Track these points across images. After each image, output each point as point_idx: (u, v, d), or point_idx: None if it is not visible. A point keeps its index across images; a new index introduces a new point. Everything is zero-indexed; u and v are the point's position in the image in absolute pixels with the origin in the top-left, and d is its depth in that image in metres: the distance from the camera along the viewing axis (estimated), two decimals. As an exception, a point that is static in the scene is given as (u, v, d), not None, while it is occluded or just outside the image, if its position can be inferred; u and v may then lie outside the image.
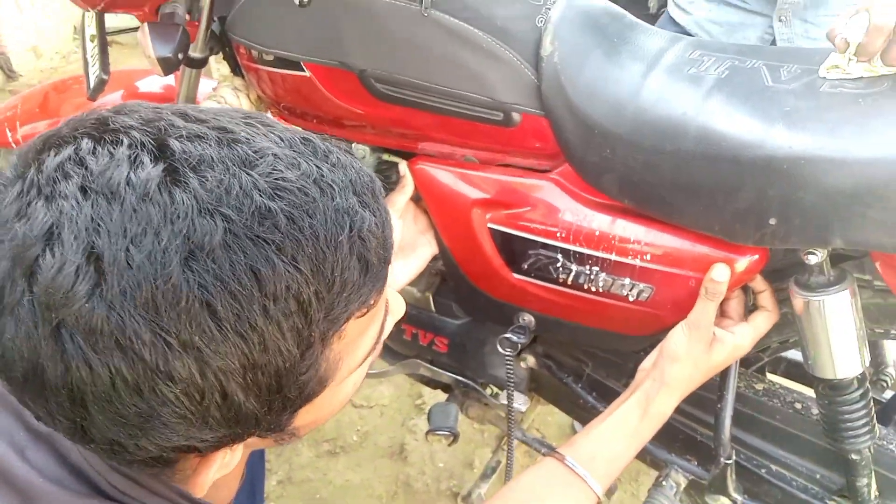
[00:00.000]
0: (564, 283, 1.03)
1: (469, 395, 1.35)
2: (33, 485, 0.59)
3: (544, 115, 0.97)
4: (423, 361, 1.35)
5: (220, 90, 1.28)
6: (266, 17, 1.08)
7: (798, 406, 1.08)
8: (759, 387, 1.11)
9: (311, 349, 0.50)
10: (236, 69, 1.30)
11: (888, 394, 1.19)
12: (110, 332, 0.44)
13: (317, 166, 0.49)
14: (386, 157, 1.19)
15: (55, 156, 0.47)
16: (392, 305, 0.66)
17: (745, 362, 1.11)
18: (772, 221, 0.83)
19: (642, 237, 0.94)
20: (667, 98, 0.89)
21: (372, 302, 0.53)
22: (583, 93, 0.93)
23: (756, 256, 0.90)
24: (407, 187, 1.09)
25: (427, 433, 1.25)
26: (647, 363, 0.97)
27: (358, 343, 0.57)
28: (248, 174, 0.46)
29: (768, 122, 0.82)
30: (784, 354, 1.22)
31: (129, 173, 0.45)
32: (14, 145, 1.52)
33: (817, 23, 1.47)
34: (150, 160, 0.46)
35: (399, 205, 1.08)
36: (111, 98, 1.44)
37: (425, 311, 1.28)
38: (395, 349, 1.37)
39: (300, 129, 0.55)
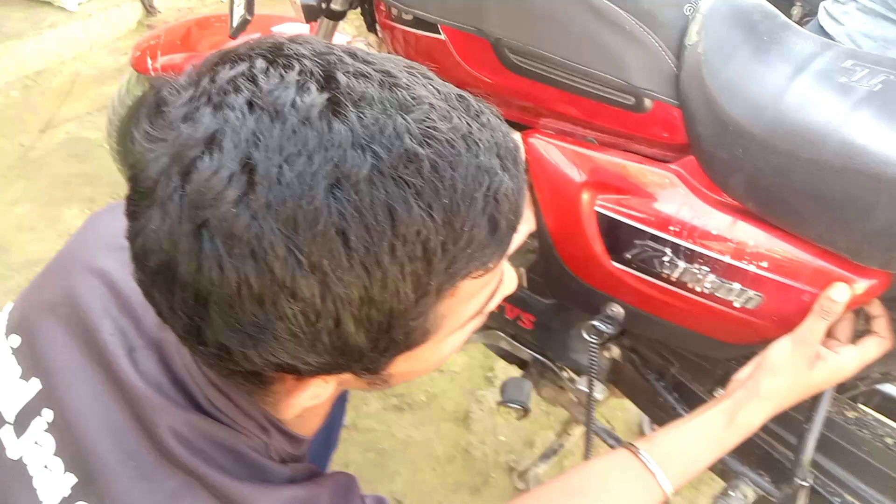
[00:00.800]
0: (667, 280, 0.99)
1: (545, 375, 1.32)
2: (135, 387, 0.61)
3: (678, 105, 0.92)
4: (505, 335, 1.33)
5: (353, 44, 1.27)
6: (410, -25, 1.06)
7: (889, 441, 1.01)
8: (851, 415, 1.05)
9: (426, 298, 0.50)
10: (372, 25, 1.29)
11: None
12: (248, 239, 0.44)
13: (467, 122, 0.49)
14: (504, 128, 1.16)
15: (230, 69, 0.48)
16: (505, 278, 0.65)
17: (840, 388, 1.05)
18: (905, 246, 0.77)
19: (762, 243, 0.89)
20: (811, 104, 0.84)
21: (491, 265, 0.53)
22: (723, 87, 0.88)
23: (877, 280, 0.84)
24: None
25: (499, 404, 1.23)
26: (743, 373, 0.92)
27: (467, 305, 0.56)
28: (402, 118, 0.47)
29: (919, 142, 0.76)
30: (880, 387, 1.14)
31: (295, 97, 0.46)
32: (152, 72, 1.56)
33: None
34: (317, 88, 0.46)
35: None
36: (252, 38, 1.46)
37: (518, 285, 1.25)
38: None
39: (456, 87, 0.53)
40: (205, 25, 1.59)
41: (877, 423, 1.03)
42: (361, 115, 0.46)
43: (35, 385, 0.64)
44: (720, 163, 0.90)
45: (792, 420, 1.04)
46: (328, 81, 0.47)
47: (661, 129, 0.95)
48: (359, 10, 1.31)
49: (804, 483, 0.99)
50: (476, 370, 1.90)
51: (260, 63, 0.48)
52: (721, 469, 1.14)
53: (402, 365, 0.57)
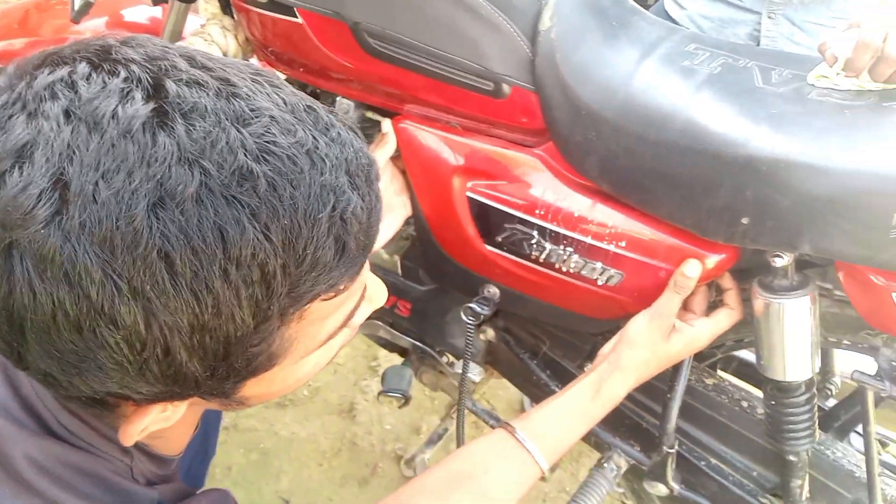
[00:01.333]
0: (536, 261, 1.02)
1: (425, 361, 1.34)
2: None
3: (534, 90, 0.95)
4: (383, 323, 1.34)
5: (208, 27, 1.23)
6: (264, -43, 1.04)
7: (744, 404, 1.09)
8: (710, 381, 1.12)
9: (268, 323, 0.48)
10: (227, 8, 1.25)
11: (831, 402, 1.21)
12: (61, 262, 0.42)
13: (314, 136, 0.47)
14: (369, 114, 1.16)
15: (49, 74, 0.45)
16: (371, 292, 0.63)
17: (699, 357, 1.12)
18: (744, 220, 0.83)
19: (619, 223, 0.94)
20: (657, 87, 0.88)
21: (342, 287, 0.51)
22: (575, 72, 0.91)
23: (726, 255, 0.90)
24: (388, 145, 1.06)
25: (379, 393, 1.24)
26: (606, 348, 0.97)
27: (320, 326, 0.54)
28: (238, 131, 0.44)
29: (754, 122, 0.82)
30: (737, 353, 1.23)
31: (116, 106, 0.43)
32: (-11, 59, 1.46)
33: (805, 28, 1.47)
34: (142, 97, 0.44)
35: (378, 162, 1.06)
36: (94, 23, 1.38)
37: (391, 273, 1.26)
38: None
39: (308, 97, 0.51)
40: (44, 8, 1.49)
41: (733, 388, 1.11)
42: (191, 128, 0.43)
43: None
44: (575, 146, 0.94)
45: (655, 390, 1.10)
46: (157, 90, 0.44)
47: (520, 114, 0.98)
48: (213, -7, 1.27)
49: (671, 450, 1.05)
50: (359, 360, 1.90)
51: (83, 67, 0.45)
52: (595, 441, 1.19)
53: (254, 388, 0.55)
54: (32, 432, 0.57)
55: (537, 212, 0.99)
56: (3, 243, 0.42)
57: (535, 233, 1.00)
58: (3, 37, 1.44)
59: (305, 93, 1.31)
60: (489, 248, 1.06)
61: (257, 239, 0.44)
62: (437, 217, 1.09)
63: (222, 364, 0.48)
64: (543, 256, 1.01)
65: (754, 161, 0.79)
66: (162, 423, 0.56)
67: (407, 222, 1.29)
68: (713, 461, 1.12)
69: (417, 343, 1.31)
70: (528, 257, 1.03)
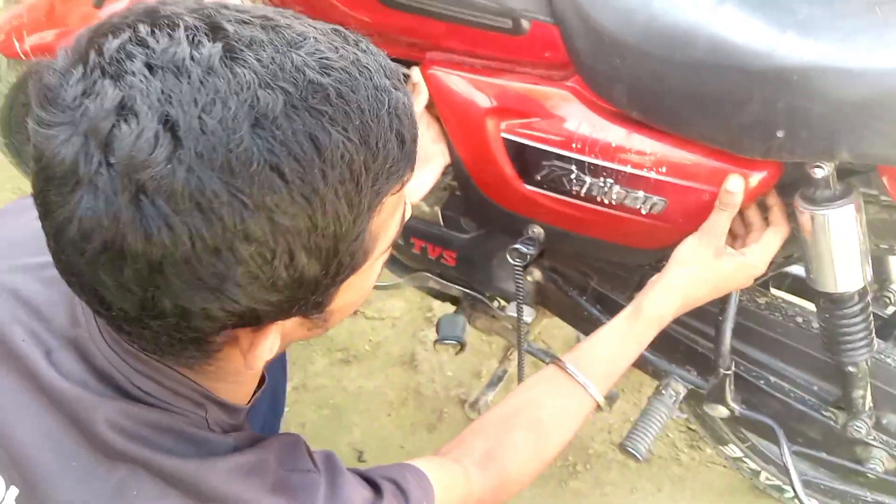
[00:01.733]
0: (577, 196, 1.03)
1: (476, 308, 1.37)
2: (61, 388, 0.62)
3: (554, 23, 0.94)
4: (431, 275, 1.36)
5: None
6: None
7: (799, 320, 1.09)
8: (762, 300, 1.12)
9: (361, 217, 0.54)
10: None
11: (890, 309, 1.19)
12: (189, 193, 0.46)
13: (352, 51, 0.53)
14: (394, 67, 1.17)
15: (114, 40, 0.49)
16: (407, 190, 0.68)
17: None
18: (779, 134, 0.82)
19: (657, 150, 0.93)
20: (677, 5, 0.87)
21: (406, 178, 0.57)
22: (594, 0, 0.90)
23: (768, 171, 0.89)
24: (421, 95, 1.07)
25: (435, 342, 1.28)
26: (656, 277, 0.98)
27: (391, 222, 0.60)
28: (296, 53, 0.50)
29: (780, 30, 0.80)
30: (788, 270, 1.21)
31: (191, 51, 0.48)
32: (23, 56, 1.51)
33: None
34: (208, 40, 0.48)
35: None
36: (117, 6, 1.41)
37: (434, 224, 1.28)
38: (405, 262, 1.39)
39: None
40: (66, -1, 1.53)
41: (786, 305, 1.10)
42: (259, 58, 0.48)
43: None
44: (601, 75, 0.93)
45: (708, 313, 1.10)
46: (216, 32, 0.49)
47: (542, 49, 0.97)
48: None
49: (727, 372, 1.06)
50: (415, 313, 1.94)
51: (143, 28, 0.49)
52: (652, 370, 1.21)
53: (342, 297, 0.60)
54: (111, 398, 0.62)
55: (574, 146, 0.99)
56: (131, 191, 0.46)
57: (573, 167, 1.00)
58: (33, 30, 1.49)
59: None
60: (529, 187, 1.06)
61: (341, 141, 0.49)
62: (475, 161, 1.10)
63: (334, 261, 0.54)
64: (584, 190, 1.02)
65: (783, 71, 0.78)
66: (269, 354, 0.60)
67: (445, 172, 1.31)
68: (773, 379, 1.12)
69: (467, 290, 1.34)
70: (569, 193, 1.04)
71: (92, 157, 0.46)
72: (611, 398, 1.35)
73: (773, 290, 1.21)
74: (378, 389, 1.78)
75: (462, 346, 1.28)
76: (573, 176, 1.02)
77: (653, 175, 0.96)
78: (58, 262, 0.53)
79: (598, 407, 0.95)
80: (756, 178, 0.90)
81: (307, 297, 0.55)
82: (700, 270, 0.94)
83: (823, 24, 0.78)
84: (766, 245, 0.95)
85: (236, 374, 0.66)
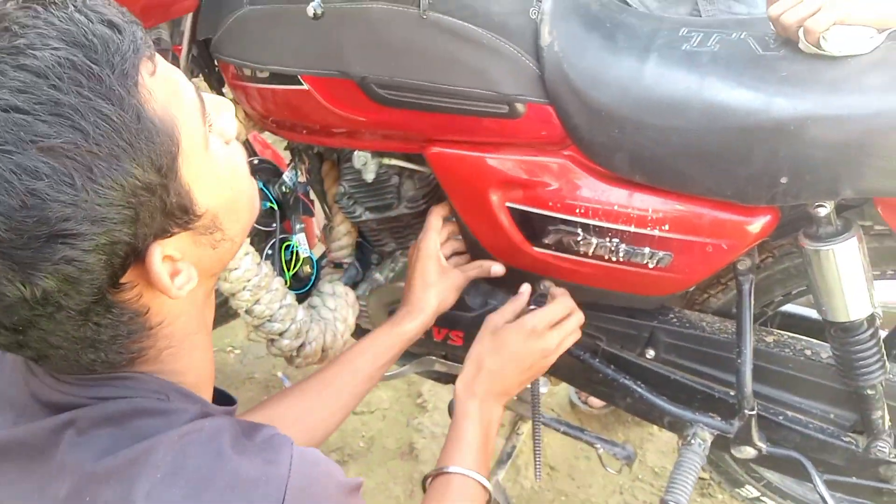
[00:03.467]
0: (585, 255, 1.09)
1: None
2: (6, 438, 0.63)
3: (549, 103, 1.01)
4: (437, 357, 1.38)
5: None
6: (259, 35, 1.09)
7: (808, 353, 1.15)
8: (770, 339, 1.18)
9: (124, 104, 0.54)
10: (219, 88, 1.31)
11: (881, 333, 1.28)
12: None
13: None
14: (386, 161, 1.22)
15: None
16: (224, 116, 0.69)
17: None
18: (783, 180, 0.89)
19: (658, 208, 1.00)
20: (668, 76, 0.95)
21: (146, 53, 0.58)
22: (586, 78, 0.98)
23: (770, 216, 0.97)
24: (429, 234, 1.20)
25: (454, 425, 1.28)
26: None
27: (176, 105, 0.59)
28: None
29: (769, 88, 0.89)
30: (784, 309, 1.29)
31: None
32: None
33: None
34: None
35: (425, 251, 1.19)
36: None
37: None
38: (408, 350, 1.40)
39: None
40: None
41: (794, 340, 1.17)
42: None
43: None
44: (601, 147, 1.00)
45: (720, 360, 1.17)
46: None
47: (539, 128, 1.04)
48: (200, 77, 1.31)
49: (752, 412, 1.11)
50: (405, 401, 1.94)
51: None
52: (670, 422, 1.25)
53: (203, 193, 0.62)
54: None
55: (577, 211, 1.05)
56: None
57: (579, 230, 1.07)
58: None
59: (313, 154, 1.36)
60: (538, 249, 1.12)
61: (49, 53, 0.52)
62: (483, 230, 1.16)
63: (136, 154, 0.55)
64: (592, 250, 1.08)
65: (781, 123, 0.86)
66: (189, 283, 0.62)
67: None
68: (790, 413, 1.18)
69: (475, 369, 1.36)
70: (577, 252, 1.10)
71: None
72: (629, 458, 1.39)
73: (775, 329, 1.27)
74: (381, 486, 1.76)
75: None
76: (580, 238, 1.08)
77: (656, 232, 1.03)
78: None
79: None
80: (759, 223, 0.98)
81: (150, 201, 0.56)
82: (483, 344, 1.10)
83: (808, 78, 0.87)
84: (542, 311, 1.10)
85: (186, 336, 0.67)
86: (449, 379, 1.45)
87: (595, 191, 1.03)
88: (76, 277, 0.54)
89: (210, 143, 0.64)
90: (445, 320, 1.31)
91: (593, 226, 1.05)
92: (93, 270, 0.55)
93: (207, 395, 0.74)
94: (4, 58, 0.51)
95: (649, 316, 1.21)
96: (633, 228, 1.03)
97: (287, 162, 1.45)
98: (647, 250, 1.04)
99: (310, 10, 0.92)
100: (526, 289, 1.16)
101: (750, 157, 0.90)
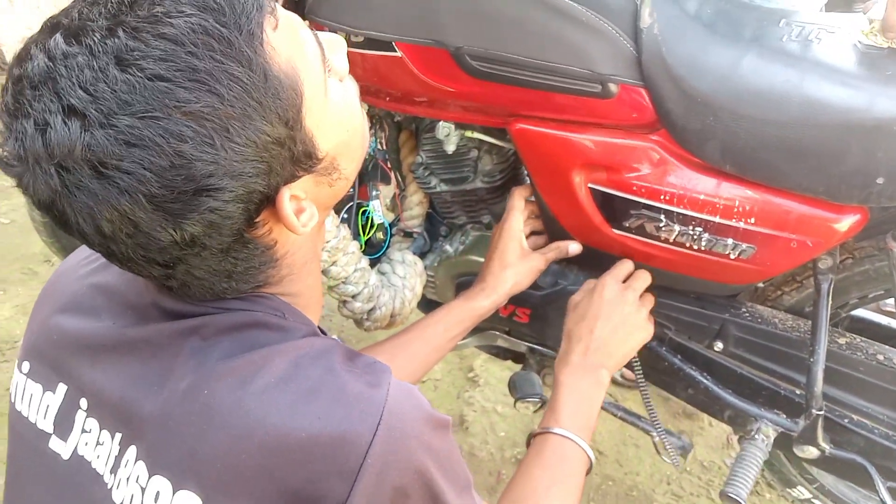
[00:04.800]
0: (666, 241, 1.10)
1: (546, 364, 1.41)
2: (132, 336, 0.71)
3: (643, 86, 1.02)
4: (500, 332, 1.41)
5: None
6: (357, 0, 1.12)
7: (880, 357, 1.15)
8: (842, 341, 1.18)
9: (253, 62, 0.58)
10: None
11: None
12: (116, 140, 0.55)
13: None
14: (469, 133, 1.24)
15: (10, 90, 0.58)
16: (337, 55, 0.73)
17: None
18: (879, 181, 0.90)
19: (746, 200, 1.01)
20: (766, 67, 0.95)
21: (269, 7, 0.61)
22: (685, 63, 0.99)
23: (859, 215, 0.97)
24: (513, 214, 1.24)
25: (516, 401, 1.31)
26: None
27: (300, 58, 0.64)
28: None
29: (872, 86, 0.89)
30: (854, 313, 1.29)
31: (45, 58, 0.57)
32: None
33: None
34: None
35: (508, 234, 1.23)
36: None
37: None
38: (472, 322, 1.43)
39: None
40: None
41: (867, 344, 1.17)
42: (95, 34, 0.57)
43: (61, 389, 0.73)
44: (693, 134, 1.01)
45: (791, 357, 1.17)
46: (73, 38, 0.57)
47: (630, 110, 1.05)
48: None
49: (820, 412, 1.12)
50: (457, 374, 1.98)
51: (16, 70, 0.58)
52: (731, 415, 1.26)
53: (323, 137, 0.66)
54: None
55: (662, 197, 1.06)
56: (88, 172, 0.55)
57: (662, 216, 1.08)
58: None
59: (392, 122, 1.39)
60: (617, 231, 1.14)
61: (183, 21, 0.56)
62: (563, 209, 1.18)
63: (264, 108, 0.59)
64: (673, 237, 1.09)
65: (882, 123, 0.87)
66: (311, 220, 0.69)
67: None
68: (856, 417, 1.18)
69: (537, 347, 1.39)
70: (657, 238, 1.11)
71: (52, 176, 0.56)
72: (684, 449, 1.40)
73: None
74: (429, 455, 1.80)
75: (543, 402, 1.33)
76: (662, 224, 1.09)
77: (741, 224, 1.04)
78: (109, 258, 0.64)
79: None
80: (847, 223, 0.98)
81: (280, 153, 0.62)
82: (569, 319, 1.17)
83: (913, 78, 0.87)
84: (610, 272, 1.16)
85: (303, 265, 0.74)
86: (508, 355, 1.48)
87: (682, 178, 1.05)
88: (218, 223, 0.60)
89: (328, 87, 0.69)
90: (514, 297, 1.34)
91: (677, 213, 1.06)
92: (232, 216, 0.61)
93: (315, 317, 0.80)
94: (145, 26, 0.56)
95: (721, 308, 1.22)
96: (717, 219, 1.04)
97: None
98: (730, 241, 1.05)
99: (421, -21, 0.94)
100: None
101: (846, 155, 0.90)
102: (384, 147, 1.43)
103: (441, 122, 1.23)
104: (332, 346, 0.69)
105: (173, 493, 0.62)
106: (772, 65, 0.96)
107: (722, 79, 0.97)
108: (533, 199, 1.25)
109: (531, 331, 1.37)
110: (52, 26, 0.58)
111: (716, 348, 1.25)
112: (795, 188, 0.98)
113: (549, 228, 1.25)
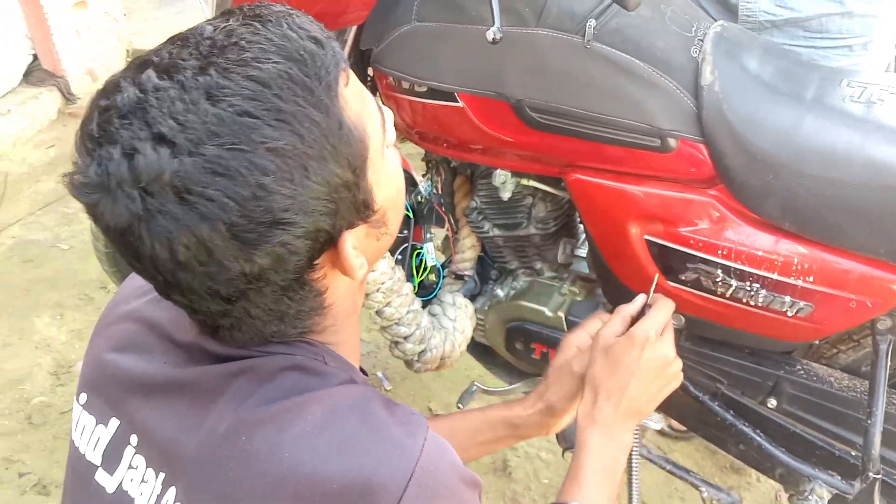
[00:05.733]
0: (722, 295, 1.10)
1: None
2: (176, 376, 0.73)
3: (703, 142, 1.04)
4: (546, 379, 1.41)
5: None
6: (422, 50, 1.16)
7: (942, 423, 1.13)
8: (901, 403, 1.17)
9: (330, 111, 0.63)
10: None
11: None
12: (203, 168, 0.58)
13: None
14: (524, 181, 1.26)
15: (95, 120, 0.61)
16: (387, 125, 0.76)
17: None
18: (942, 244, 0.89)
19: (805, 258, 1.01)
20: (828, 127, 0.97)
21: (342, 66, 0.66)
22: (746, 121, 1.00)
23: (920, 276, 0.96)
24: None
25: (564, 451, 1.31)
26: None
27: (365, 113, 0.68)
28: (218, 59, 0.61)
29: (937, 150, 0.89)
30: None
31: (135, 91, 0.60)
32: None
33: None
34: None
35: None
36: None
37: (557, 329, 1.35)
38: (522, 368, 1.44)
39: None
40: None
41: (927, 407, 1.15)
42: (187, 70, 0.60)
43: (113, 423, 0.75)
44: (753, 190, 1.02)
45: (847, 417, 1.16)
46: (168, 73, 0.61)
47: (688, 165, 1.06)
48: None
49: (878, 476, 1.10)
50: (501, 417, 1.98)
51: (104, 101, 0.62)
52: (781, 473, 1.24)
53: (378, 189, 0.70)
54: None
55: (719, 252, 1.07)
56: (171, 198, 0.58)
57: (719, 271, 1.08)
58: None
59: (448, 167, 1.41)
60: (673, 284, 1.14)
61: (272, 66, 0.60)
62: (618, 259, 1.19)
63: (337, 152, 0.63)
64: (730, 292, 1.09)
65: (946, 187, 0.86)
66: (361, 270, 0.70)
67: (564, 277, 1.38)
68: (915, 483, 1.16)
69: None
70: (713, 292, 1.11)
71: (135, 200, 0.58)
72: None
73: None
74: (471, 499, 1.79)
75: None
76: (718, 279, 1.09)
77: (800, 282, 1.03)
78: (169, 289, 0.65)
79: None
80: (907, 283, 0.98)
81: (346, 197, 0.65)
82: (594, 365, 1.02)
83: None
84: (647, 319, 1.01)
85: (346, 316, 0.76)
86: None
87: (740, 233, 1.05)
88: (285, 258, 0.63)
89: (384, 148, 0.73)
90: (552, 341, 1.35)
91: (734, 268, 1.06)
92: (299, 252, 0.63)
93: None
94: (235, 68, 0.60)
95: (776, 364, 1.21)
96: (775, 276, 1.04)
97: (423, 173, 1.51)
98: (787, 298, 1.05)
99: (489, 35, 0.98)
100: (640, 298, 1.05)
101: (909, 217, 0.90)
102: (439, 191, 1.47)
103: (497, 170, 1.25)
104: (371, 395, 0.70)
105: None
106: (834, 125, 0.97)
107: (783, 137, 0.98)
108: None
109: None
110: (141, 63, 0.62)
111: (769, 405, 1.23)
112: (856, 248, 0.98)
113: (602, 279, 1.26)
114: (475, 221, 1.40)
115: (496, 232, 1.39)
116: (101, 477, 0.74)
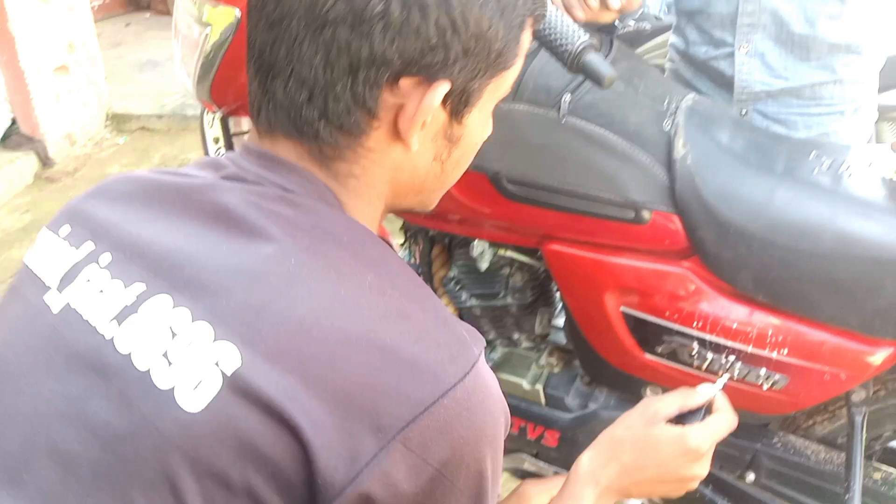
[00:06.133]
0: (698, 368, 1.10)
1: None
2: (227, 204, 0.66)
3: (676, 213, 1.06)
4: (528, 455, 1.39)
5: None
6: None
7: (919, 494, 1.13)
8: (877, 476, 1.17)
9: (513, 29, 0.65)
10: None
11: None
12: None
13: None
14: (502, 252, 1.27)
15: None
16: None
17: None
18: (914, 316, 0.91)
19: (779, 330, 1.02)
20: (800, 199, 0.99)
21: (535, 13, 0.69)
22: (718, 193, 1.02)
23: (892, 350, 0.98)
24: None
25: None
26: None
27: (522, 59, 0.70)
28: None
29: (904, 223, 0.91)
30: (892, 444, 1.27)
31: None
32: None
33: (779, 119, 1.45)
34: None
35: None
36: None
37: (535, 403, 1.34)
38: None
39: None
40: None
41: (902, 479, 1.15)
42: None
43: (87, 246, 0.67)
44: (726, 262, 1.03)
45: (825, 490, 1.15)
46: None
47: (662, 237, 1.08)
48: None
49: (857, 551, 1.09)
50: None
51: None
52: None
53: (470, 121, 0.70)
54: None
55: (695, 324, 1.07)
56: None
57: (694, 343, 1.09)
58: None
59: (426, 236, 1.40)
60: (649, 356, 1.14)
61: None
62: (594, 330, 1.19)
63: (506, 61, 0.67)
64: (706, 365, 1.09)
65: (914, 260, 0.88)
66: (426, 115, 0.65)
67: (543, 350, 1.38)
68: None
69: (566, 472, 1.36)
70: (689, 364, 1.11)
71: None
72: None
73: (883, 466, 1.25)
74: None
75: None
76: (694, 351, 1.10)
77: (775, 355, 1.04)
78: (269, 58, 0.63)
79: None
80: (881, 356, 0.99)
81: (481, 52, 0.64)
82: (630, 432, 0.90)
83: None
84: (709, 427, 0.90)
85: (368, 195, 0.71)
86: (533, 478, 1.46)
87: (714, 305, 1.06)
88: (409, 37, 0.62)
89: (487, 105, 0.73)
90: (541, 419, 1.34)
91: (709, 340, 1.07)
92: (386, 60, 0.62)
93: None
94: None
95: (753, 438, 1.21)
96: (750, 349, 1.04)
97: (400, 242, 1.52)
98: (762, 371, 1.05)
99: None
100: (706, 391, 0.93)
101: (880, 289, 0.92)
102: (417, 261, 1.47)
103: (475, 240, 1.26)
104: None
105: (214, 340, 0.57)
106: (804, 197, 0.99)
107: (755, 209, 1.00)
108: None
109: (560, 454, 1.36)
110: None
111: (747, 479, 1.22)
112: (829, 320, 0.99)
113: (579, 350, 1.25)
114: (452, 291, 1.40)
115: (474, 302, 1.39)
116: (49, 297, 0.65)
